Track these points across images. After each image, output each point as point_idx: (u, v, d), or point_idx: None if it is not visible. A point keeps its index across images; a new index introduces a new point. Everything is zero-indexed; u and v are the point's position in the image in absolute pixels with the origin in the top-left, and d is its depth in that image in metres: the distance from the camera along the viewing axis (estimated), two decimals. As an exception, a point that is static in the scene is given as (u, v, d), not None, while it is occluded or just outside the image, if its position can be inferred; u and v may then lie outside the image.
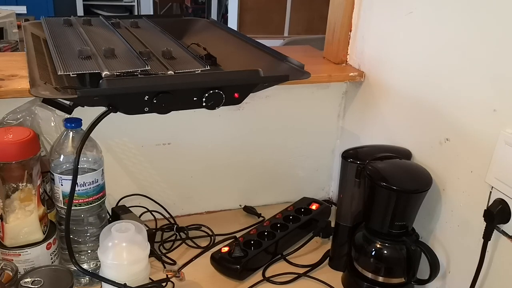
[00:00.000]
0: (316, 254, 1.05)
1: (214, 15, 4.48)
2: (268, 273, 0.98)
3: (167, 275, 0.91)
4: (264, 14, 3.54)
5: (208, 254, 0.98)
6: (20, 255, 0.83)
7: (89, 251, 0.91)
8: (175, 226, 1.09)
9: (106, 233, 0.83)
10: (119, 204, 1.08)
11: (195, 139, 1.11)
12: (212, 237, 1.08)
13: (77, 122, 0.85)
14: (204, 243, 1.06)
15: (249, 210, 1.19)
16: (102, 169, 0.89)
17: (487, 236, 0.76)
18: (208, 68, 0.85)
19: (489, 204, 0.77)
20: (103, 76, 0.77)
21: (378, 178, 0.85)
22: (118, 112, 0.78)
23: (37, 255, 0.84)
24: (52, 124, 0.92)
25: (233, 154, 1.16)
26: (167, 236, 1.07)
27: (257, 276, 0.97)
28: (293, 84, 0.94)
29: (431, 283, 0.87)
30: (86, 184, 0.85)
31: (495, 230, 0.76)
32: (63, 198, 0.86)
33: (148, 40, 1.00)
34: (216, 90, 0.80)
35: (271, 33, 3.49)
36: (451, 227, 0.87)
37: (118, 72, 0.79)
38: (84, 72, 0.80)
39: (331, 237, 1.05)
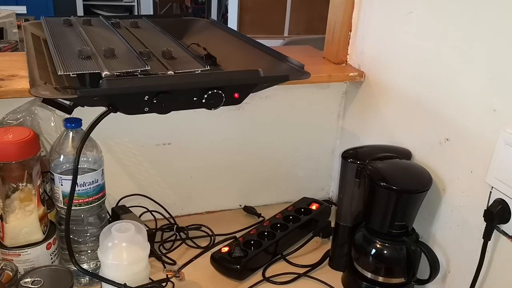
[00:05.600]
0: (316, 254, 1.05)
1: (214, 15, 4.48)
2: (268, 273, 0.98)
3: (167, 275, 0.91)
4: (264, 14, 3.54)
5: (208, 254, 0.98)
6: (20, 255, 0.83)
7: (89, 251, 0.91)
8: (175, 226, 1.09)
9: (106, 233, 0.83)
10: (119, 204, 1.08)
11: (195, 139, 1.11)
12: (212, 237, 1.08)
13: (77, 122, 0.85)
14: (204, 243, 1.06)
15: (249, 210, 1.19)
16: (102, 169, 0.89)
17: (487, 236, 0.76)
18: (208, 68, 0.85)
19: (489, 204, 0.77)
20: (103, 76, 0.77)
21: (378, 178, 0.85)
22: (118, 112, 0.78)
23: (37, 255, 0.84)
24: (52, 124, 0.92)
25: (233, 154, 1.16)
26: (167, 236, 1.07)
27: (257, 276, 0.97)
28: (293, 84, 0.94)
29: (431, 283, 0.87)
30: (86, 184, 0.85)
31: (495, 230, 0.76)
32: (63, 198, 0.86)
33: (148, 40, 1.00)
34: (216, 90, 0.80)
35: (271, 33, 3.49)
36: (451, 227, 0.87)
37: (118, 72, 0.79)
38: (84, 72, 0.80)
39: (331, 237, 1.05)
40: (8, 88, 0.86)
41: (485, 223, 0.76)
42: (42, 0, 4.12)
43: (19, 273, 0.79)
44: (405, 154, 0.95)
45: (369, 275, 0.90)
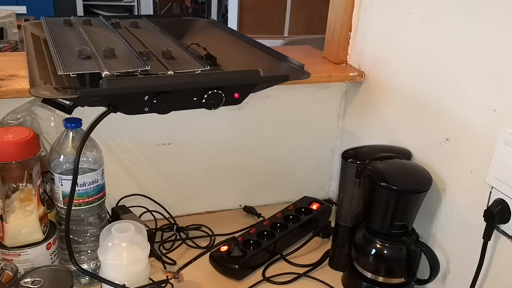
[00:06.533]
0: (316, 254, 1.05)
1: (214, 15, 4.48)
2: (268, 273, 0.98)
3: (167, 276, 0.91)
4: (264, 14, 3.54)
5: (208, 254, 0.98)
6: (20, 255, 0.83)
7: (89, 251, 0.91)
8: (175, 226, 1.09)
9: (106, 233, 0.83)
10: (119, 204, 1.08)
11: (195, 139, 1.11)
12: (212, 237, 1.08)
13: (77, 122, 0.85)
14: (204, 243, 1.06)
15: (249, 210, 1.19)
16: (102, 169, 0.89)
17: (487, 236, 0.76)
18: (208, 68, 0.85)
19: (489, 204, 0.77)
20: (103, 76, 0.77)
21: (378, 178, 0.85)
22: (118, 112, 0.78)
23: (37, 255, 0.84)
24: (52, 124, 0.92)
25: (233, 154, 1.16)
26: (167, 236, 1.07)
27: (257, 276, 0.97)
28: (293, 84, 0.94)
29: (431, 283, 0.87)
30: (86, 184, 0.85)
31: (495, 230, 0.76)
32: (63, 198, 0.86)
33: (148, 40, 1.00)
34: (216, 90, 0.80)
35: (271, 33, 3.49)
36: (451, 227, 0.87)
37: (118, 72, 0.79)
38: (84, 72, 0.80)
39: (331, 237, 1.05)
40: (8, 88, 0.86)
41: (485, 223, 0.76)
42: (42, 0, 4.12)
43: (19, 273, 0.79)
44: (405, 154, 0.95)
45: (369, 275, 0.90)
